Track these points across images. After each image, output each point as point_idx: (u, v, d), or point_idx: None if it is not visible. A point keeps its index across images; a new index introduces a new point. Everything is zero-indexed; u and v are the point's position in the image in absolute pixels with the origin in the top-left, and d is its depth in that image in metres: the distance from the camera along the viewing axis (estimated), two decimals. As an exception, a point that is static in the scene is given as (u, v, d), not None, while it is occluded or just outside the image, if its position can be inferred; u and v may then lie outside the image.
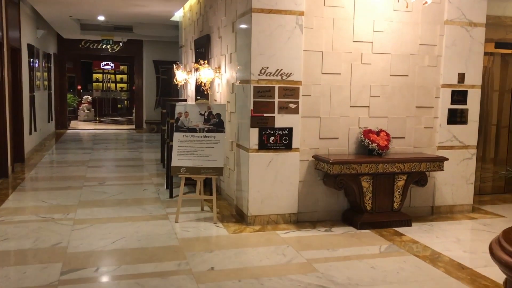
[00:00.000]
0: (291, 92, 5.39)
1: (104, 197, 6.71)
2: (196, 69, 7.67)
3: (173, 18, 11.26)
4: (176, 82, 9.60)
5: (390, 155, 5.61)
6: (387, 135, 5.67)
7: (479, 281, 4.02)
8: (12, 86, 8.68)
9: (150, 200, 6.62)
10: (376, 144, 5.51)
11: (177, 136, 5.73)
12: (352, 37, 5.60)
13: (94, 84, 23.36)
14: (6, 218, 5.60)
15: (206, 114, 5.76)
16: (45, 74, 13.36)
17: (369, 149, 5.56)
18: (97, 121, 20.01)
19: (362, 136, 5.61)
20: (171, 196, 6.73)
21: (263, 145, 5.37)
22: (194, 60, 8.88)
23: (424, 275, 4.14)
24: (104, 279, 3.98)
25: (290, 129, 5.43)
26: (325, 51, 5.52)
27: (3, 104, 7.91)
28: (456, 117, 6.06)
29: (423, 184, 5.69)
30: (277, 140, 5.41)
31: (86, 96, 21.10)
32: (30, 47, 10.44)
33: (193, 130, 5.72)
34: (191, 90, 9.35)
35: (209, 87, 7.05)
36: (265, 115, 5.35)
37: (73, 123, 18.22)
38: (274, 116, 5.37)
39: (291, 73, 5.37)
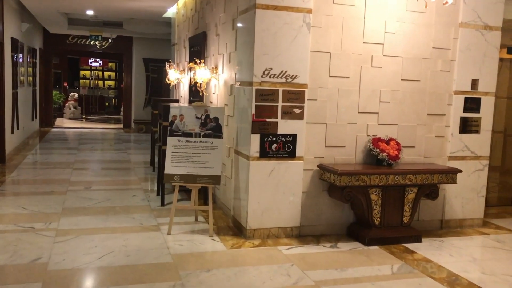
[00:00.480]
0: (296, 96, 4.98)
1: (90, 204, 6.23)
2: (191, 69, 7.24)
3: (165, 15, 10.79)
4: (168, 82, 9.15)
5: (400, 165, 5.23)
6: (397, 144, 5.29)
7: (505, 309, 3.65)
8: (-7, 82, 8.15)
9: (140, 208, 6.16)
10: (386, 154, 5.13)
11: (171, 140, 5.29)
12: (362, 38, 5.20)
13: (81, 81, 22.76)
14: (-18, 227, 5.12)
15: (203, 117, 5.33)
16: (30, 69, 12.79)
17: (379, 159, 5.18)
18: (84, 120, 19.42)
19: (371, 144, 5.22)
20: (162, 204, 6.28)
21: (265, 153, 4.96)
22: (187, 59, 8.44)
23: (445, 302, 3.76)
24: (89, 303, 3.53)
25: (294, 136, 5.02)
26: (333, 53, 5.12)
27: (-17, 101, 7.38)
28: (468, 126, 5.70)
29: (435, 197, 5.32)
30: (280, 148, 5.00)
31: (72, 93, 20.49)
32: (14, 41, 9.89)
33: (189, 134, 5.28)
34: (184, 91, 8.90)
35: (205, 88, 6.61)
36: (268, 120, 4.93)
37: (58, 121, 17.62)
38: (277, 122, 4.96)
39: (296, 76, 4.96)
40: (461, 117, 5.65)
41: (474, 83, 5.65)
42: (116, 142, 13.05)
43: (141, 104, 15.97)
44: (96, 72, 23.08)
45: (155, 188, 7.05)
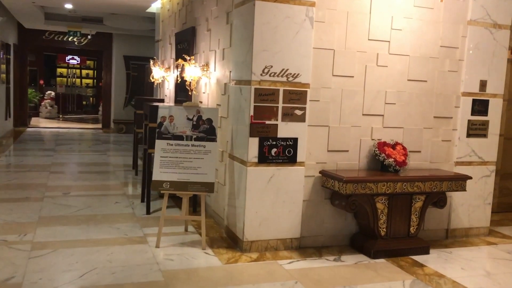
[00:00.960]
0: (298, 96, 4.59)
1: (69, 212, 5.72)
2: (177, 66, 6.78)
3: (149, 9, 10.29)
4: (152, 80, 8.66)
5: (407, 172, 4.88)
6: (404, 149, 4.94)
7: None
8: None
9: (124, 216, 5.68)
10: (393, 160, 4.77)
11: (159, 144, 4.83)
12: (368, 35, 4.84)
13: (58, 79, 21.98)
14: None
15: (194, 119, 4.88)
16: (3, 66, 12.12)
17: (384, 165, 4.82)
18: (61, 119, 18.71)
19: (377, 149, 4.86)
20: (148, 212, 5.81)
21: (264, 158, 4.55)
22: (173, 56, 7.98)
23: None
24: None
25: (295, 140, 4.63)
26: (337, 50, 4.74)
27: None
28: (476, 129, 5.39)
29: (442, 205, 4.99)
30: (280, 152, 4.59)
31: (49, 92, 19.71)
32: (-15, 35, 9.26)
33: (179, 137, 4.84)
34: (169, 89, 8.43)
35: (194, 87, 6.16)
36: (267, 122, 4.52)
37: (34, 121, 16.86)
38: (277, 124, 4.55)
39: (298, 74, 4.56)
40: (468, 120, 5.34)
41: (483, 84, 5.34)
42: (95, 143, 12.47)
43: (121, 103, 15.38)
44: (74, 69, 22.32)
45: (140, 194, 6.56)
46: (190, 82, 6.04)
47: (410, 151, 5.04)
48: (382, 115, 4.99)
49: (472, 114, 5.35)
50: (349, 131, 4.87)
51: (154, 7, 9.96)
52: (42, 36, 15.22)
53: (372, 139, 4.97)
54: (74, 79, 22.24)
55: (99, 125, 16.37)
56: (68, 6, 10.83)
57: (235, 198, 4.81)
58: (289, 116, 4.57)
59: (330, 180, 4.63)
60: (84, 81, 22.71)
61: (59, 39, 15.40)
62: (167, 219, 5.21)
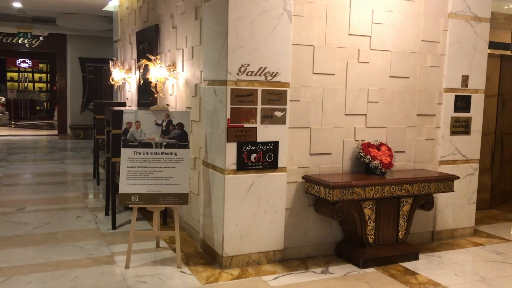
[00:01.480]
0: (277, 96, 4.23)
1: (25, 231, 5.15)
2: (139, 67, 6.31)
3: (106, 8, 9.69)
4: (112, 82, 8.13)
5: (393, 174, 4.61)
6: (389, 149, 4.67)
7: None
8: None
9: (87, 233, 5.16)
10: (379, 161, 4.49)
11: (126, 153, 4.36)
12: (348, 30, 4.54)
13: (8, 83, 20.82)
14: None
15: (164, 124, 4.44)
16: None
17: (370, 167, 4.53)
18: (13, 126, 17.69)
19: (362, 151, 4.56)
20: (114, 227, 5.31)
21: (243, 165, 4.16)
22: (134, 57, 7.47)
23: None
24: None
25: (276, 144, 4.27)
26: (317, 46, 4.42)
27: None
28: (459, 126, 5.19)
29: (430, 207, 4.75)
30: (260, 158, 4.22)
31: (-2, 97, 18.64)
32: None
33: (148, 145, 4.39)
34: (131, 92, 7.91)
35: (161, 89, 5.71)
36: (245, 126, 4.14)
37: (-17, 128, 15.84)
38: (256, 127, 4.18)
39: (277, 73, 4.20)
40: (451, 117, 5.13)
41: (465, 79, 5.15)
42: (51, 151, 11.73)
43: (78, 108, 14.60)
44: (26, 73, 21.20)
45: (103, 206, 6.03)
46: (156, 84, 5.60)
47: (394, 152, 4.77)
48: (365, 115, 4.71)
49: (455, 111, 5.15)
50: (331, 133, 4.56)
51: (111, 5, 9.38)
52: (-11, 39, 14.27)
53: (356, 140, 4.68)
54: (26, 83, 21.14)
55: (55, 132, 15.51)
56: (17, 5, 10.09)
57: (211, 209, 4.41)
58: (268, 118, 4.21)
59: (315, 186, 4.29)
60: (37, 85, 21.63)
61: (8, 41, 14.46)
62: (137, 236, 4.73)
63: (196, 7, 4.81)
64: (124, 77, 7.88)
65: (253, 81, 4.13)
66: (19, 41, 14.23)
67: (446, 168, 5.11)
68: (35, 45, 14.64)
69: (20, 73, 21.08)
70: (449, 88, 5.08)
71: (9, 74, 20.97)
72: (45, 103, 21.63)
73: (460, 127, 5.20)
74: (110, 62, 7.95)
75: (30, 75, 21.39)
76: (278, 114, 4.24)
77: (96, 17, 11.10)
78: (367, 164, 4.53)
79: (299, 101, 4.37)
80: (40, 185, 7.61)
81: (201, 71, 4.68)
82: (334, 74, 4.51)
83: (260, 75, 4.14)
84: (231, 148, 4.11)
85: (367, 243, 4.45)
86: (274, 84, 4.20)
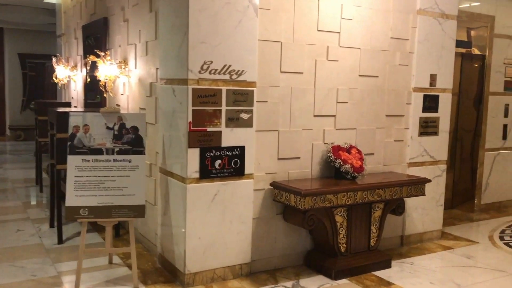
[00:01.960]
0: (244, 97, 3.87)
1: (-45, 249, 4.55)
2: (86, 64, 5.78)
3: (47, 0, 8.96)
4: (55, 80, 7.50)
5: (364, 178, 4.37)
6: (359, 152, 4.43)
7: None
8: None
9: (30, 249, 4.61)
10: (350, 165, 4.23)
11: (73, 160, 3.87)
12: (317, 25, 4.24)
13: None
14: None
15: (116, 127, 3.98)
16: None
17: (340, 172, 4.27)
18: None
19: (332, 154, 4.29)
20: (60, 241, 4.78)
21: (207, 172, 3.78)
22: (81, 52, 6.91)
23: None
24: None
25: (242, 148, 3.91)
26: (285, 42, 4.10)
27: None
28: (427, 127, 5.03)
29: (401, 212, 4.56)
30: (225, 165, 3.85)
31: None
32: None
33: (98, 151, 3.91)
34: (76, 91, 7.32)
35: (111, 88, 5.22)
36: (209, 129, 3.76)
37: None
38: (220, 131, 3.80)
39: (243, 71, 3.85)
40: (420, 118, 4.96)
41: (433, 79, 4.99)
42: (-12, 154, 10.83)
43: (17, 107, 13.61)
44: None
45: (48, 217, 5.45)
46: (105, 82, 5.11)
47: (364, 154, 4.53)
48: (334, 116, 4.44)
49: (423, 111, 4.99)
50: (300, 135, 4.26)
51: (53, -3, 8.69)
52: None
53: (325, 143, 4.40)
54: (-41, 80, 19.64)
55: (-8, 133, 14.45)
56: None
57: (171, 221, 4.00)
58: (234, 120, 3.85)
59: (284, 194, 3.97)
60: (-29, 82, 20.16)
61: None
62: (88, 253, 4.24)
63: (151, -2, 4.37)
64: (69, 75, 7.28)
65: (217, 80, 3.75)
66: (-50, 34, 13.09)
67: (414, 170, 4.94)
68: (-32, 39, 13.52)
69: (-47, 70, 19.57)
70: (418, 88, 4.91)
71: None
72: (-19, 102, 20.21)
73: (429, 127, 5.04)
74: (53, 58, 7.32)
75: (-37, 71, 19.91)
76: (245, 116, 3.89)
77: (37, 9, 10.31)
78: (338, 168, 4.27)
79: (266, 102, 4.04)
80: (-26, 194, 6.88)
81: (157, 68, 4.25)
82: (302, 73, 4.21)
83: (224, 73, 3.76)
84: (193, 154, 3.72)
85: (339, 252, 4.19)
86: (240, 83, 3.84)
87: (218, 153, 3.80)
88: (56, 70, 7.36)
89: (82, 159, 3.88)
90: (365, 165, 4.38)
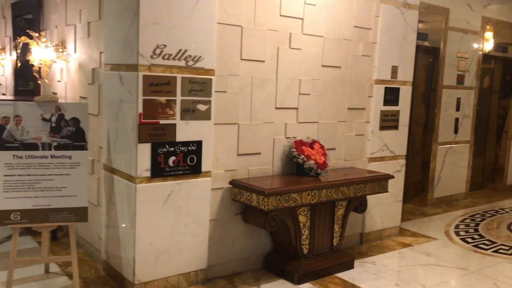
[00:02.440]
0: (201, 86, 3.49)
1: None
2: (16, 47, 5.17)
3: (-29, -26, 8.05)
4: (-20, 65, 6.73)
5: (328, 175, 4.11)
6: (322, 147, 4.17)
7: None
8: None
9: (-51, 258, 4.01)
10: (313, 161, 3.96)
11: (2, 157, 3.33)
12: (280, 10, 3.92)
13: None
14: None
15: (53, 119, 3.47)
16: None
17: (303, 168, 3.99)
18: None
19: (294, 150, 4.00)
20: (-14, 248, 4.21)
21: (159, 171, 3.37)
22: (10, 34, 6.20)
23: None
24: None
25: (199, 143, 3.53)
26: (245, 27, 3.74)
27: None
28: (388, 121, 4.86)
29: (363, 209, 4.36)
30: (180, 161, 3.46)
31: None
32: None
33: (32, 146, 3.40)
34: (5, 77, 6.59)
35: (46, 74, 4.65)
36: (162, 122, 3.35)
37: None
38: (175, 124, 3.40)
39: (200, 57, 3.46)
40: (381, 111, 4.78)
41: (394, 70, 4.82)
42: None
43: None
44: None
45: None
46: (39, 68, 4.54)
47: (326, 149, 4.28)
48: (297, 108, 4.15)
49: (384, 104, 4.81)
50: (261, 129, 3.93)
51: (-22, -29, 7.80)
52: None
53: (287, 137, 4.10)
54: None
55: None
56: None
57: (117, 225, 3.56)
58: (190, 112, 3.45)
59: (245, 193, 3.64)
60: None
61: None
62: (20, 262, 3.70)
63: (94, -28, 3.87)
64: (-4, 59, 6.53)
65: (171, 66, 3.34)
66: None
67: (374, 166, 4.77)
68: None
69: None
70: (380, 80, 4.72)
71: None
72: None
73: (389, 121, 4.87)
74: (-22, 39, 6.54)
75: None
76: (202, 107, 3.51)
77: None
78: (301, 164, 3.98)
79: (225, 92, 3.67)
80: None
81: (101, 52, 3.77)
82: (264, 61, 3.88)
83: (179, 59, 3.36)
84: (144, 150, 3.30)
85: (302, 255, 3.92)
86: (197, 71, 3.45)
87: (172, 149, 3.40)
88: (-19, 53, 6.59)
89: (13, 155, 3.35)
90: (328, 161, 4.13)
